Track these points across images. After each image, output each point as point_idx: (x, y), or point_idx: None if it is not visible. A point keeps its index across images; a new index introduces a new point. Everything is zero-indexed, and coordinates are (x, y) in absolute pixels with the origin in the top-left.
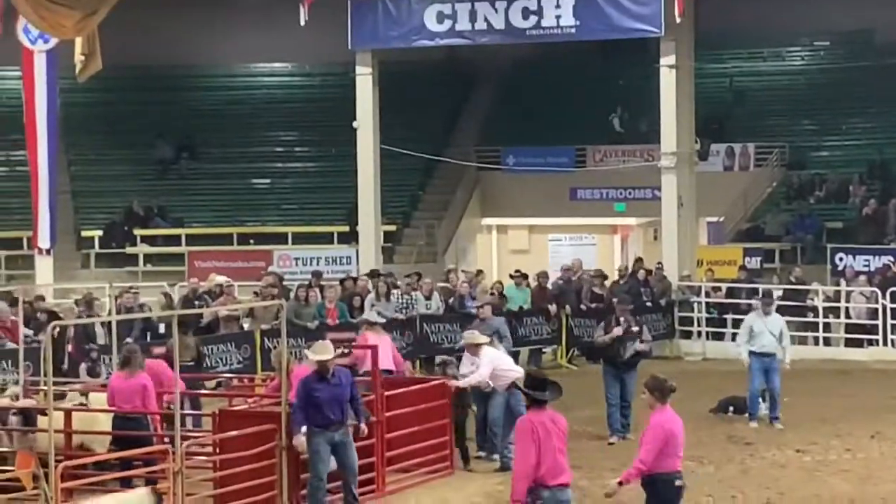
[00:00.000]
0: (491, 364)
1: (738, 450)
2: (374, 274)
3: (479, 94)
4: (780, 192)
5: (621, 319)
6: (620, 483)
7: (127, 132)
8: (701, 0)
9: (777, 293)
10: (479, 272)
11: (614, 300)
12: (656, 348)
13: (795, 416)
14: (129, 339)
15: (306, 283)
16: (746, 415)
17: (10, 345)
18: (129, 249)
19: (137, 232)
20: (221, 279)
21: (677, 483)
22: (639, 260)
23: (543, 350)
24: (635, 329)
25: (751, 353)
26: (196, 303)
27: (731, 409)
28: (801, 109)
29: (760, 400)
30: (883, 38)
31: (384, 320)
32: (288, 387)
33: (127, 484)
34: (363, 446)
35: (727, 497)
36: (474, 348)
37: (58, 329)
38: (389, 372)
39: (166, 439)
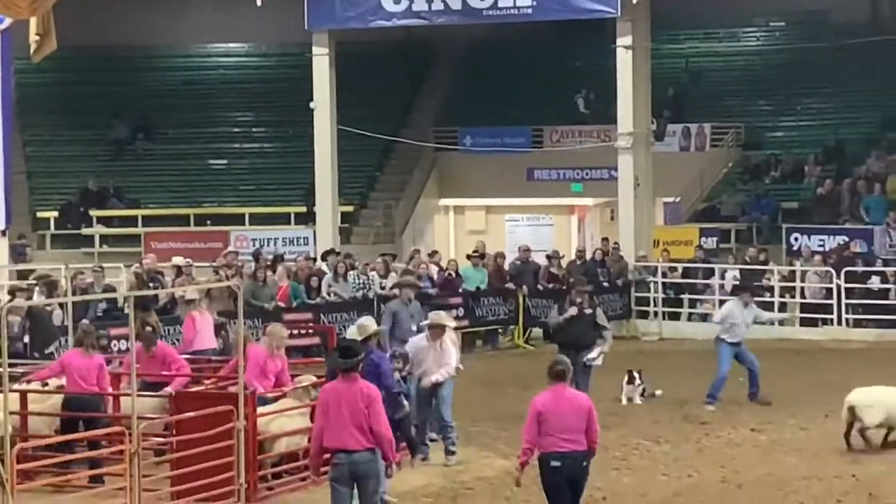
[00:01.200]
0: (458, 352)
1: (693, 429)
2: (330, 253)
3: (436, 75)
4: (735, 172)
5: (577, 301)
6: (518, 467)
7: (82, 113)
8: None
9: (733, 273)
10: (435, 252)
11: (571, 281)
12: (613, 328)
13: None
14: (85, 320)
15: (263, 264)
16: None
17: None
18: (84, 230)
19: (93, 213)
20: (179, 260)
21: (553, 464)
22: (605, 240)
23: (500, 330)
24: (588, 311)
25: (722, 340)
26: (150, 284)
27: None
28: (756, 90)
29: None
30: (838, 18)
31: (196, 297)
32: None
33: (83, 465)
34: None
35: (683, 476)
36: (438, 331)
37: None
38: (215, 351)
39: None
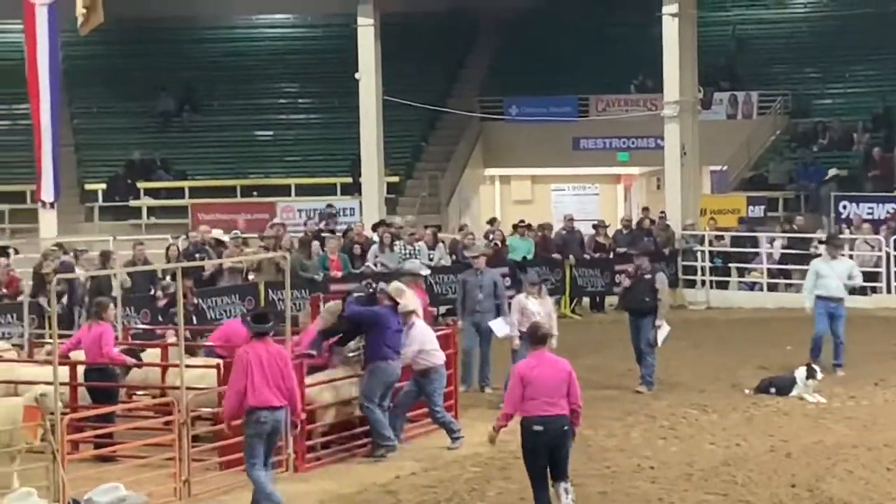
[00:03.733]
0: (420, 344)
1: (741, 398)
2: (380, 224)
3: (481, 45)
4: (783, 140)
5: (637, 265)
6: (495, 429)
7: (129, 85)
8: None
9: (780, 241)
10: (494, 220)
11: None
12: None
13: (799, 364)
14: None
15: (309, 237)
16: (789, 395)
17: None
18: (132, 202)
19: (141, 185)
20: (219, 233)
21: (535, 428)
22: (645, 209)
23: None
24: (647, 277)
25: (816, 297)
26: (196, 255)
27: (773, 389)
28: (804, 57)
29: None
30: None
31: (428, 272)
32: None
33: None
34: None
35: (731, 444)
36: (406, 316)
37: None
38: None
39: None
